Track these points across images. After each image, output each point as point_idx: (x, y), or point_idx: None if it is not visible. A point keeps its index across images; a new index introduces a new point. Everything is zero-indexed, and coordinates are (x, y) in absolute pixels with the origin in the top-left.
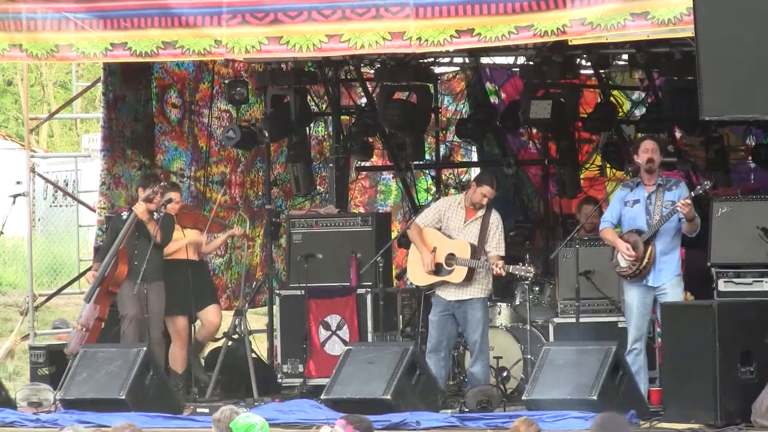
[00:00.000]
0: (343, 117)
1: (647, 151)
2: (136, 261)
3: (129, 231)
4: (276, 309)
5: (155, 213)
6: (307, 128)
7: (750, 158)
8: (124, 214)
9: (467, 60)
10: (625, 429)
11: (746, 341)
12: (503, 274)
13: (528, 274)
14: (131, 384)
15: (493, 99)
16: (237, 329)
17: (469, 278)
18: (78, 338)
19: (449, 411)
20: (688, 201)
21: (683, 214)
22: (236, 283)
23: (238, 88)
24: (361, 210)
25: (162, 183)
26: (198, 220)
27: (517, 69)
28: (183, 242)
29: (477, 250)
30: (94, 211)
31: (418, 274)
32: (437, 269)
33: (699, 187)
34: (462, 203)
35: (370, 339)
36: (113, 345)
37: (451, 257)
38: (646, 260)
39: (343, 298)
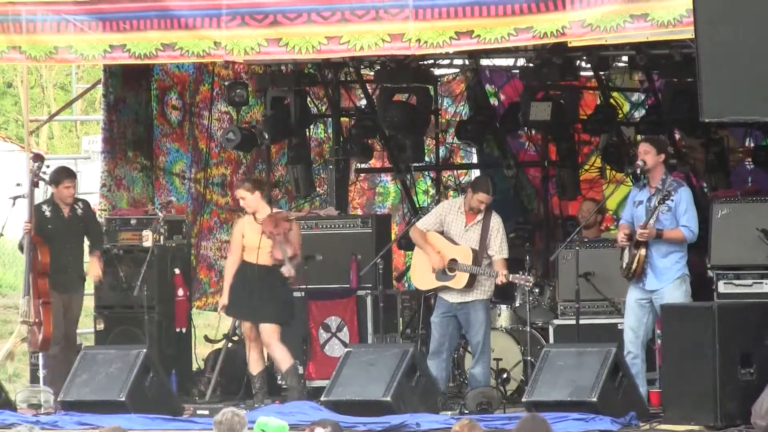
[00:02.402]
0: (342, 119)
1: (639, 153)
2: (70, 256)
3: (32, 220)
4: None
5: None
6: (307, 130)
7: (749, 160)
8: (44, 207)
9: (467, 62)
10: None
11: (746, 343)
12: (506, 282)
13: (528, 284)
14: (131, 386)
15: (493, 101)
16: (237, 331)
17: (471, 284)
18: (35, 333)
19: (449, 413)
20: (644, 231)
21: (644, 240)
22: None
23: (238, 90)
24: (359, 212)
25: (37, 163)
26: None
27: (517, 71)
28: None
29: (479, 255)
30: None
31: (420, 278)
32: (439, 274)
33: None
34: (462, 207)
35: (370, 341)
36: (113, 347)
37: (453, 263)
38: (635, 263)
39: (343, 300)
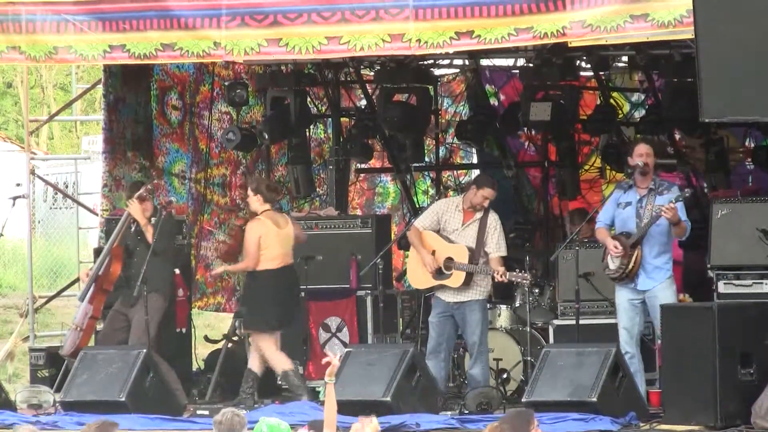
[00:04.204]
0: (342, 119)
1: (641, 155)
2: (133, 269)
3: (122, 230)
4: None
5: (153, 217)
6: (307, 130)
7: (749, 160)
8: (132, 225)
9: (467, 62)
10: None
11: (746, 343)
12: (504, 281)
13: (525, 281)
14: (131, 386)
15: (493, 101)
16: (237, 331)
17: (468, 283)
18: (72, 338)
19: (449, 413)
20: (672, 205)
21: (667, 218)
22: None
23: (238, 90)
24: (359, 212)
25: (155, 180)
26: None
27: (517, 71)
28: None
29: (475, 254)
30: (95, 213)
31: (417, 278)
32: (436, 273)
33: (680, 194)
34: (460, 206)
35: (369, 341)
36: (113, 347)
37: (449, 261)
38: (632, 264)
39: (343, 300)
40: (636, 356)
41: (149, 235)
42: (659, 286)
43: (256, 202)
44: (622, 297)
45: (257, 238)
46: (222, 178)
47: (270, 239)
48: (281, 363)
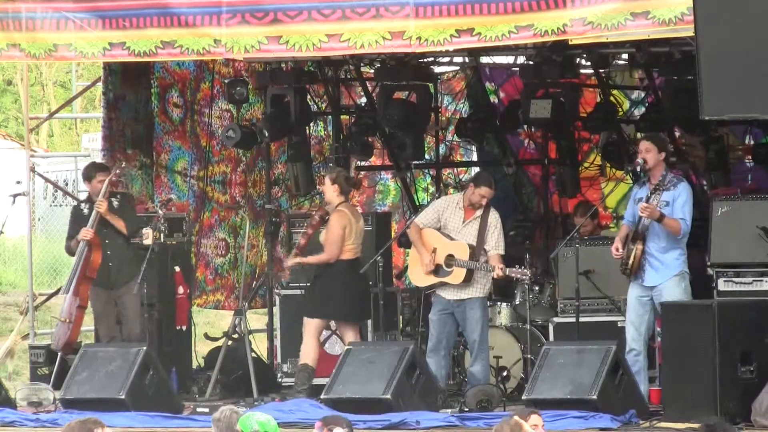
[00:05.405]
0: (342, 116)
1: (640, 151)
2: (110, 261)
3: (96, 220)
4: (276, 309)
5: (114, 199)
6: (307, 128)
7: (749, 158)
8: (83, 205)
9: (467, 59)
10: None
11: (746, 341)
12: (503, 276)
13: (524, 277)
14: (131, 384)
15: (493, 99)
16: (237, 329)
17: (468, 279)
18: (63, 332)
19: (449, 410)
20: (645, 204)
21: (645, 217)
22: (245, 283)
23: (238, 88)
24: (359, 210)
25: (116, 170)
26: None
27: (517, 68)
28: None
29: (476, 251)
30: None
31: (417, 275)
32: (436, 270)
33: (651, 191)
34: (460, 203)
35: (370, 338)
36: (113, 345)
37: (450, 258)
38: (631, 260)
39: None
40: (642, 353)
41: (121, 228)
42: (666, 283)
43: (333, 192)
44: (631, 293)
45: (342, 230)
46: (222, 175)
47: (352, 232)
48: (309, 355)
